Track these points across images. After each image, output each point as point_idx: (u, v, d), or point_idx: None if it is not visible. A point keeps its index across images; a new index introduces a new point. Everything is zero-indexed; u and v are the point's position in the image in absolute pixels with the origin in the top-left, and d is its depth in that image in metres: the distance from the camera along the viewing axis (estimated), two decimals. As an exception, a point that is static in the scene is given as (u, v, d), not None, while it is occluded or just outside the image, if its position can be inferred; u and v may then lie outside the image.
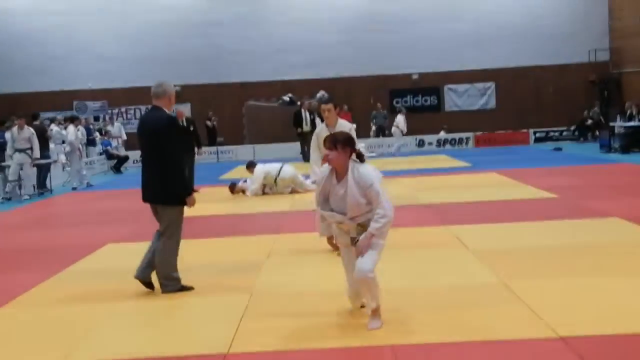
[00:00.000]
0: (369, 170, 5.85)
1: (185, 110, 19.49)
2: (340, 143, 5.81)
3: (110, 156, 27.07)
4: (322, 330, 5.89)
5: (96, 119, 31.42)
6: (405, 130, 28.76)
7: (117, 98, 32.67)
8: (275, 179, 15.93)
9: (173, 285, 7.35)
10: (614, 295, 6.45)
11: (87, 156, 24.19)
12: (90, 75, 32.68)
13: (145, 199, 7.49)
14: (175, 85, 7.82)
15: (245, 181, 16.23)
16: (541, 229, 9.96)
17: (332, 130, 8.35)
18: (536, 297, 6.42)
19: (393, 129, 29.17)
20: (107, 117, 31.50)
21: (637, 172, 16.77)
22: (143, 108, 32.53)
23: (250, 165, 16.52)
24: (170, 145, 7.17)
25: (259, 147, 29.81)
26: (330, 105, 8.72)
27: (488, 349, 5.28)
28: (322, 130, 8.76)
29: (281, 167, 16.04)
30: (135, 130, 31.67)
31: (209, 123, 30.92)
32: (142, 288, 7.49)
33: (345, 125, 8.65)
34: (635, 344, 5.22)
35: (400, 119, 28.58)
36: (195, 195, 7.56)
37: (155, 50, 32.74)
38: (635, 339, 5.30)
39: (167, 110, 7.38)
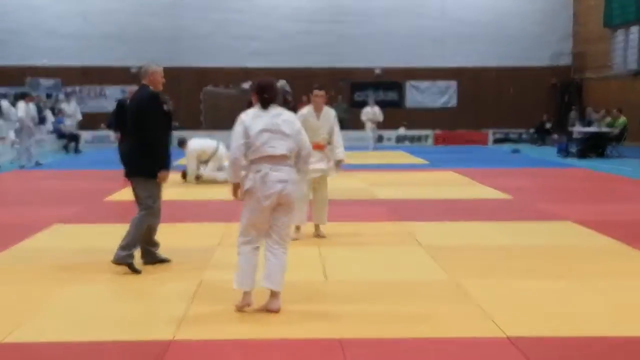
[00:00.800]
0: (243, 114, 6.17)
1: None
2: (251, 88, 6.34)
3: (61, 135, 26.47)
4: (271, 321, 5.82)
5: (48, 96, 30.81)
6: (369, 117, 27.50)
7: (71, 76, 32.08)
8: (211, 157, 15.44)
9: (125, 257, 7.34)
10: (563, 298, 6.48)
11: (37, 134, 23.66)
12: (45, 52, 32.01)
13: (125, 175, 7.75)
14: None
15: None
16: (495, 229, 9.99)
17: (319, 116, 9.10)
18: (486, 296, 6.42)
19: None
20: (61, 95, 30.92)
21: (592, 178, 16.95)
22: (98, 88, 32.03)
23: (183, 143, 15.95)
24: (149, 121, 7.46)
25: (216, 134, 29.49)
26: (323, 92, 9.23)
27: (435, 345, 5.25)
28: (309, 114, 9.09)
29: (217, 146, 15.52)
30: (89, 110, 30.86)
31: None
32: (88, 270, 7.39)
33: (330, 112, 9.23)
34: (580, 346, 5.24)
35: (364, 111, 27.70)
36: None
37: (112, 29, 32.16)
38: (581, 342, 5.32)
39: (151, 88, 7.73)
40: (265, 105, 6.07)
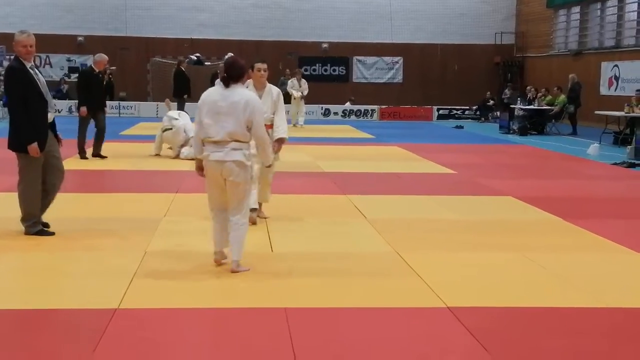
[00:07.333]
0: (205, 93, 6.51)
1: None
2: None
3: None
4: (216, 290, 5.89)
5: (-8, 64, 30.09)
6: (298, 94, 25.58)
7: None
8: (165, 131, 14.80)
9: (30, 227, 7.48)
10: (501, 270, 6.67)
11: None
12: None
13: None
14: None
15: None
16: (438, 203, 10.16)
17: (261, 95, 7.78)
18: (427, 268, 6.57)
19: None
20: (5, 62, 30.15)
21: (532, 154, 17.30)
22: (44, 56, 31.35)
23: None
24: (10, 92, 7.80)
25: (162, 105, 29.22)
26: (265, 65, 7.84)
27: (377, 315, 5.38)
28: None
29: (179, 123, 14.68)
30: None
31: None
32: (29, 240, 7.34)
33: (273, 90, 8.12)
34: (517, 315, 5.43)
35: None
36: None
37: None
38: (518, 311, 5.51)
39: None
40: (225, 83, 6.27)
